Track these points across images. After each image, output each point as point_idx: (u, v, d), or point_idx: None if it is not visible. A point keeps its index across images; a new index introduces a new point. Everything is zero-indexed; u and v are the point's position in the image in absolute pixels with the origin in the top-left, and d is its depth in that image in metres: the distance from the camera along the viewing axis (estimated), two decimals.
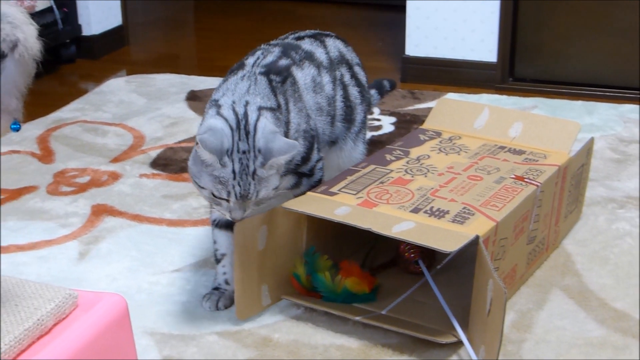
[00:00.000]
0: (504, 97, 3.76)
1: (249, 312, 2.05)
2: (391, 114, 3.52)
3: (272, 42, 2.26)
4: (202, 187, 1.88)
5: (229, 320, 2.05)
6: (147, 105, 3.65)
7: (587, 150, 2.42)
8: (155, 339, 1.98)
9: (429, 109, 2.74)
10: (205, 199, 1.96)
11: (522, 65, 3.92)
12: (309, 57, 2.19)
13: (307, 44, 2.25)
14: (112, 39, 4.67)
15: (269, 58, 2.08)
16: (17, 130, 1.33)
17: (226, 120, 1.88)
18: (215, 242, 2.11)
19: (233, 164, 1.84)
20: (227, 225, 2.06)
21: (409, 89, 3.87)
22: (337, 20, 5.45)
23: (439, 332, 1.93)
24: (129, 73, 4.25)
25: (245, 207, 1.89)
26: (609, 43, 3.74)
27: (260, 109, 1.92)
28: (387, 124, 3.39)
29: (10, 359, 1.29)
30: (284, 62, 2.09)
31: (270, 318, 2.06)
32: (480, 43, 3.91)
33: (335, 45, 2.34)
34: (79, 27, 4.46)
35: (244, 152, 1.85)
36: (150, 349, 1.95)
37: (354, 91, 2.33)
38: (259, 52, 2.12)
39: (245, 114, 1.89)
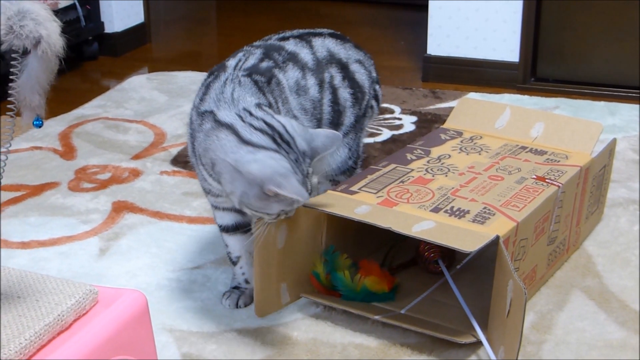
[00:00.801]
0: (526, 97, 3.75)
1: (268, 310, 2.06)
2: (412, 113, 3.51)
3: (255, 43, 2.17)
4: (270, 214, 1.82)
5: (248, 318, 2.05)
6: (169, 102, 3.66)
7: (609, 151, 2.40)
8: (174, 336, 1.99)
9: (450, 108, 2.74)
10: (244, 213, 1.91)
11: (544, 65, 3.91)
12: (293, 58, 2.09)
13: (291, 45, 2.14)
14: (134, 37, 4.69)
15: (250, 61, 1.99)
16: (40, 126, 1.34)
17: (266, 148, 1.79)
18: (227, 246, 2.11)
19: (296, 174, 1.79)
20: (235, 229, 2.07)
21: (431, 89, 3.86)
22: (359, 19, 5.45)
23: (458, 332, 1.92)
24: (151, 70, 4.27)
25: None
26: (632, 43, 3.72)
27: (258, 105, 1.87)
28: (408, 123, 3.39)
29: (31, 354, 1.30)
30: (265, 64, 2.01)
31: (289, 316, 2.06)
32: (502, 43, 3.90)
33: (324, 45, 2.23)
34: (101, 25, 4.48)
35: (296, 161, 1.81)
36: (169, 345, 1.95)
37: (344, 94, 2.21)
38: (240, 54, 2.04)
39: (268, 124, 1.82)
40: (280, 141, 1.80)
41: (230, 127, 1.81)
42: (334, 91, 2.17)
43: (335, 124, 2.19)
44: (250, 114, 1.83)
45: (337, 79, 2.19)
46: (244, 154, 1.78)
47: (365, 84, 2.29)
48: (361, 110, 2.27)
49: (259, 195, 1.76)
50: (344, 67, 2.22)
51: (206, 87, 1.94)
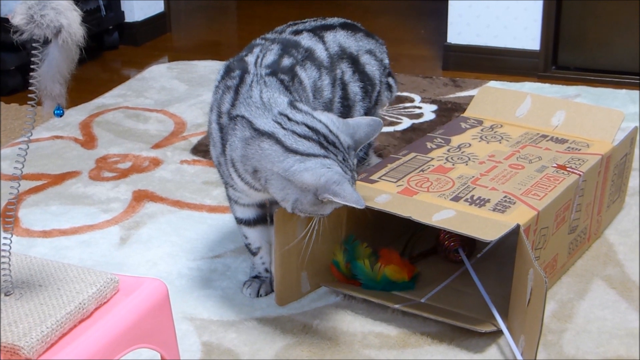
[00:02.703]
0: (547, 85, 3.73)
1: (289, 299, 2.06)
2: (432, 101, 3.50)
3: (267, 35, 2.13)
4: (324, 214, 1.82)
5: (269, 307, 2.06)
6: (189, 91, 3.67)
7: (631, 139, 2.39)
8: (195, 325, 1.99)
9: (471, 97, 2.73)
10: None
11: (565, 54, 3.89)
12: (310, 57, 2.05)
13: (306, 40, 2.09)
14: (155, 26, 4.70)
15: (270, 57, 1.95)
16: (61, 115, 1.34)
17: (315, 155, 1.76)
18: (246, 238, 2.09)
19: (347, 177, 1.77)
20: (255, 222, 2.07)
21: (451, 77, 3.85)
22: (379, 8, 5.44)
23: (479, 320, 1.92)
24: (171, 60, 4.28)
25: None
26: None
27: (292, 105, 1.83)
28: (428, 112, 3.38)
29: (52, 342, 1.30)
30: (287, 61, 1.96)
31: (309, 305, 2.07)
32: (523, 31, 3.88)
33: (335, 40, 2.17)
34: (122, 14, 4.49)
35: (344, 160, 1.79)
36: (190, 334, 1.96)
37: (355, 88, 2.18)
38: (257, 50, 1.99)
39: (311, 128, 1.79)
40: (327, 144, 1.78)
41: (272, 136, 1.78)
42: (344, 87, 2.15)
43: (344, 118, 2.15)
44: (289, 118, 1.79)
45: (348, 74, 2.17)
46: (293, 162, 1.75)
47: (376, 75, 2.27)
48: (371, 102, 2.26)
49: (313, 202, 1.76)
50: (354, 61, 2.20)
51: (235, 91, 1.87)
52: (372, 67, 2.25)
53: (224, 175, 1.94)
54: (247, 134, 1.80)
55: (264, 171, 1.79)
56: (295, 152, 1.75)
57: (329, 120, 1.82)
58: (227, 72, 1.95)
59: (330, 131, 1.80)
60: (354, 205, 1.72)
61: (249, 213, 2.05)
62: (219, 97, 1.91)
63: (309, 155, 1.75)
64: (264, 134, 1.78)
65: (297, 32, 2.13)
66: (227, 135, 1.85)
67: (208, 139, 1.98)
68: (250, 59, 1.95)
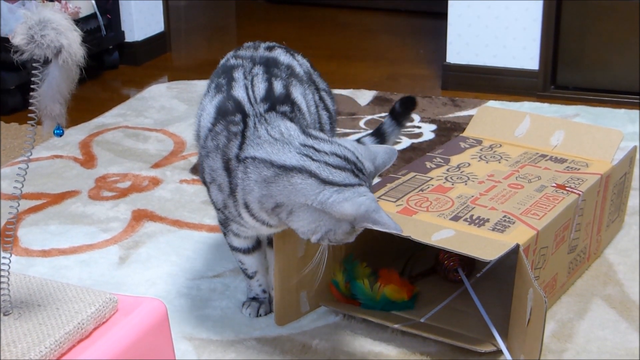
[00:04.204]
0: (546, 105, 3.74)
1: (288, 319, 2.05)
2: (432, 121, 3.51)
3: (240, 53, 2.06)
4: (350, 241, 1.79)
5: (268, 327, 2.05)
6: (188, 111, 3.67)
7: (630, 159, 2.39)
8: (194, 344, 1.99)
9: (470, 116, 2.73)
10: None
11: (564, 73, 3.90)
12: (292, 73, 1.97)
13: (282, 56, 2.01)
14: (154, 46, 4.71)
15: (260, 86, 1.87)
16: (61, 135, 1.35)
17: (352, 184, 1.73)
18: (242, 263, 2.08)
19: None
20: (252, 250, 2.05)
21: (450, 97, 3.86)
22: (378, 27, 5.46)
23: (478, 340, 1.91)
24: (171, 79, 4.29)
25: None
26: None
27: (305, 133, 1.79)
28: (427, 132, 3.38)
29: None
30: (278, 86, 1.89)
31: (309, 325, 2.06)
32: (522, 50, 3.89)
33: (300, 58, 2.10)
34: (122, 34, 4.51)
35: (368, 186, 1.77)
36: (189, 353, 1.95)
37: (322, 112, 2.11)
38: (239, 75, 1.91)
39: (341, 157, 1.75)
40: (357, 172, 1.75)
41: (303, 170, 1.72)
42: (317, 109, 2.08)
43: None
44: (316, 149, 1.75)
45: (317, 96, 2.10)
46: (331, 194, 1.70)
47: (329, 105, 2.18)
48: (333, 134, 2.18)
49: (347, 231, 1.74)
50: (316, 86, 2.12)
51: (242, 136, 1.79)
52: (331, 104, 2.18)
53: (230, 216, 1.88)
54: (266, 174, 1.74)
55: (291, 205, 1.73)
56: (333, 183, 1.71)
57: (352, 147, 1.80)
58: (223, 114, 1.85)
59: (358, 158, 1.78)
60: (393, 232, 1.70)
61: (247, 243, 2.04)
62: (222, 144, 1.82)
63: (346, 185, 1.72)
64: (292, 169, 1.72)
65: (270, 48, 2.06)
66: (236, 180, 1.78)
67: (219, 194, 1.88)
68: (240, 93, 1.86)
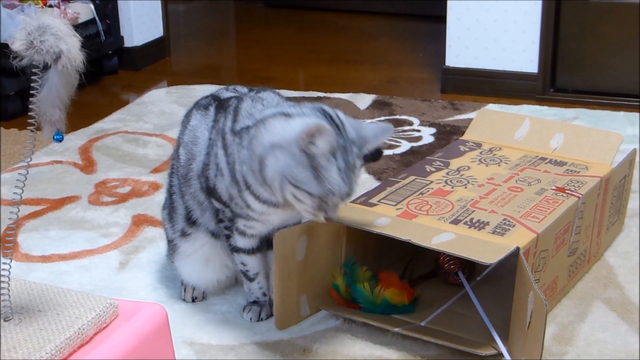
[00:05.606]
0: (545, 108, 3.74)
1: (288, 323, 2.05)
2: (431, 124, 3.51)
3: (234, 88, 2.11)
4: (311, 194, 1.74)
5: (268, 331, 2.05)
6: None
7: (630, 161, 2.39)
8: (194, 349, 1.99)
9: (469, 119, 2.73)
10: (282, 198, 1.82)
11: (563, 76, 3.90)
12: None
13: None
14: (154, 51, 4.71)
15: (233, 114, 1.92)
16: (60, 140, 1.35)
17: (316, 114, 1.77)
18: (244, 265, 2.07)
19: (337, 162, 1.74)
20: (255, 250, 2.05)
21: (449, 100, 3.86)
22: (377, 31, 5.46)
23: (479, 344, 1.91)
24: (170, 84, 4.29)
25: (340, 204, 1.81)
26: None
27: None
28: (427, 135, 3.39)
29: None
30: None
31: (309, 329, 2.06)
32: (521, 54, 3.89)
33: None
34: (121, 39, 4.51)
35: (343, 147, 1.74)
36: (189, 358, 1.95)
37: None
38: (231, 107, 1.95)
39: (317, 108, 1.79)
40: (330, 120, 1.76)
41: (275, 114, 1.79)
42: None
43: None
44: (295, 104, 1.82)
45: None
46: (288, 124, 1.75)
47: None
48: None
49: (299, 161, 1.71)
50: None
51: (235, 111, 1.89)
52: None
53: (237, 209, 1.91)
54: (252, 133, 1.81)
55: (264, 152, 1.76)
56: (295, 115, 1.78)
57: (335, 110, 1.81)
58: (218, 108, 1.97)
59: (337, 115, 1.79)
60: (327, 143, 1.69)
61: (251, 242, 2.03)
62: (220, 125, 1.92)
63: (306, 114, 1.77)
64: (268, 117, 1.80)
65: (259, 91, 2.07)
66: (233, 156, 1.85)
67: (223, 186, 1.92)
68: (226, 117, 1.93)
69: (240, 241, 2.03)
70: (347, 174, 1.75)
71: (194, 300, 2.18)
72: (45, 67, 1.29)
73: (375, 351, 1.97)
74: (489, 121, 2.57)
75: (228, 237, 2.04)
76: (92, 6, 4.20)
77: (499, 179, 2.22)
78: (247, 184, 1.85)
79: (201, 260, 2.11)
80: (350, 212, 2.03)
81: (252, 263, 2.06)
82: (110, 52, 4.43)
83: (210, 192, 1.95)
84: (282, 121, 1.77)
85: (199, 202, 2.04)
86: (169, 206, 2.15)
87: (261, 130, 1.79)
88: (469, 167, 2.31)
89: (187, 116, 2.08)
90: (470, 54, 3.99)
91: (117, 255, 2.45)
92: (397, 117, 3.61)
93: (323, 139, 1.69)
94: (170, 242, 2.16)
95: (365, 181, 2.84)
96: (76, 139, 3.41)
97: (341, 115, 1.81)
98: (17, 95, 3.75)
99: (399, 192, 2.15)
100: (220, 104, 2.00)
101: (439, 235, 1.90)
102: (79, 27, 4.00)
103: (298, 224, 1.97)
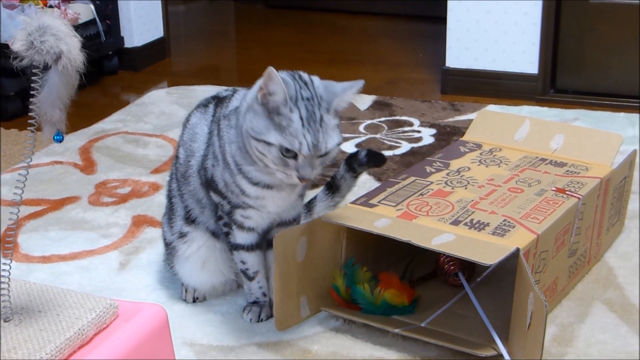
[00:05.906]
0: (545, 109, 3.74)
1: (288, 324, 2.05)
2: (431, 125, 3.51)
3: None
4: (270, 144, 1.77)
5: (268, 332, 2.05)
6: None
7: (630, 162, 2.39)
8: (194, 350, 1.99)
9: (470, 120, 2.73)
10: (264, 168, 1.84)
11: (563, 77, 3.90)
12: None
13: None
14: (154, 51, 4.71)
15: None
16: (60, 141, 1.35)
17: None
18: (244, 263, 2.07)
19: (300, 110, 1.76)
20: (255, 247, 2.05)
21: (450, 101, 3.86)
22: (377, 31, 5.46)
23: (479, 345, 1.91)
24: (170, 85, 4.29)
25: (313, 164, 1.80)
26: None
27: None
28: (427, 136, 3.39)
29: None
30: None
31: (309, 330, 2.06)
32: (522, 55, 3.89)
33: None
34: (121, 40, 4.51)
35: (308, 99, 1.78)
36: (189, 359, 1.95)
37: None
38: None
39: (293, 73, 1.85)
40: (298, 79, 1.82)
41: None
42: None
43: None
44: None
45: None
46: (254, 86, 1.84)
47: None
48: None
49: (259, 114, 1.78)
50: None
51: (230, 99, 1.99)
52: None
53: (233, 196, 1.94)
54: (238, 110, 1.89)
55: (242, 126, 1.84)
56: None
57: (304, 74, 1.87)
58: (217, 104, 2.04)
59: (308, 76, 1.85)
60: (283, 88, 1.75)
61: (250, 238, 2.04)
62: (218, 114, 2.00)
63: None
64: (248, 92, 1.89)
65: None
66: (224, 138, 1.92)
67: (221, 178, 1.96)
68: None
69: (239, 237, 2.03)
70: (311, 124, 1.78)
71: (194, 301, 2.18)
72: (46, 68, 1.29)
73: (375, 352, 1.97)
74: (489, 122, 2.57)
75: (227, 234, 2.05)
76: (92, 7, 4.20)
77: (499, 180, 2.22)
78: (238, 165, 1.89)
79: (198, 261, 2.11)
80: (350, 213, 2.03)
81: (252, 261, 2.06)
82: (110, 52, 4.43)
83: (209, 184, 1.98)
84: (253, 88, 1.85)
85: (198, 199, 2.05)
86: (168, 211, 2.16)
87: (242, 104, 1.87)
88: (469, 168, 2.31)
89: (188, 117, 2.11)
90: (471, 54, 3.99)
91: (117, 255, 2.45)
92: (397, 117, 3.61)
93: (273, 83, 1.74)
94: (168, 245, 2.16)
95: (365, 182, 2.84)
96: (76, 140, 3.41)
97: (314, 78, 1.86)
98: (17, 95, 3.75)
99: (399, 193, 2.15)
100: (219, 101, 2.04)
101: (439, 236, 1.90)
102: (79, 28, 4.00)
103: (298, 225, 1.97)
